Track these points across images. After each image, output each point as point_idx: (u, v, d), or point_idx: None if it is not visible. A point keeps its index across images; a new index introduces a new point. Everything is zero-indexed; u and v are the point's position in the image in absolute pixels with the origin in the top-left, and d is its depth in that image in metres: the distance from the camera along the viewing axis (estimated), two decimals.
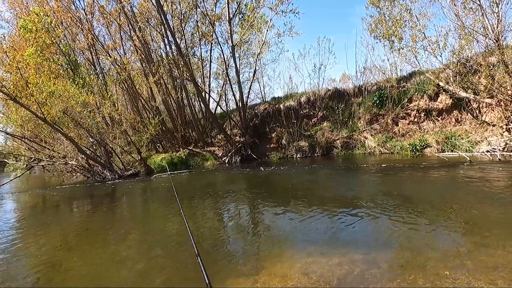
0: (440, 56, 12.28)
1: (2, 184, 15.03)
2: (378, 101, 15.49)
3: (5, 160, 18.60)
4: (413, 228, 4.44)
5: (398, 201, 5.92)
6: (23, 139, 16.59)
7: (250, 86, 18.89)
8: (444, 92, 13.23)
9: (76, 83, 14.64)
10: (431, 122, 13.82)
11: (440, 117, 13.63)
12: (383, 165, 10.78)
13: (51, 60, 15.15)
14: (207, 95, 18.73)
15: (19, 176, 17.69)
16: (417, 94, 14.28)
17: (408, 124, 14.69)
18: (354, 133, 15.76)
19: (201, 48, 18.49)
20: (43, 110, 12.00)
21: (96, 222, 6.80)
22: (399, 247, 3.86)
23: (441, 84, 13.04)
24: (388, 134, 14.78)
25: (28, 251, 5.09)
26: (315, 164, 13.21)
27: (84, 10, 16.99)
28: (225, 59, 17.74)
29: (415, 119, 14.49)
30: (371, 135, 15.24)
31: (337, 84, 19.00)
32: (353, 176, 9.76)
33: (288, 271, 3.49)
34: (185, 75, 16.30)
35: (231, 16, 16.28)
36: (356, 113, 16.24)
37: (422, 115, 14.18)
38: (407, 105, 14.61)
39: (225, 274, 3.58)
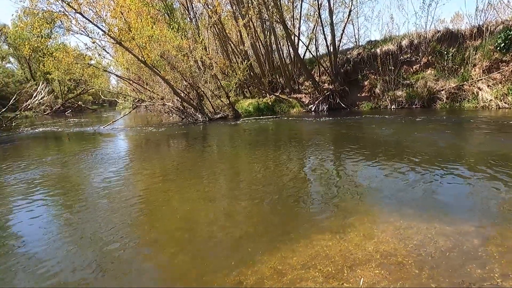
0: None
1: (115, 121, 17.24)
2: (503, 44, 12.73)
3: (115, 99, 21.21)
4: None
5: None
6: (129, 81, 18.41)
7: (344, 28, 17.30)
8: None
9: (171, 27, 15.33)
10: None
11: None
12: (500, 122, 9.10)
13: (150, 5, 15.96)
14: (296, 38, 17.83)
15: (127, 114, 20.18)
16: None
17: None
18: (465, 83, 13.52)
19: None
20: (143, 54, 12.92)
21: (190, 160, 7.33)
22: None
23: None
24: (511, 85, 12.27)
25: (135, 180, 5.79)
26: (413, 116, 11.87)
27: None
28: None
29: None
30: (488, 85, 12.88)
31: (448, 25, 16.10)
32: (460, 132, 8.52)
33: (379, 233, 3.11)
34: (274, 16, 15.58)
35: None
36: (471, 59, 13.73)
37: None
38: None
39: (309, 228, 3.35)
